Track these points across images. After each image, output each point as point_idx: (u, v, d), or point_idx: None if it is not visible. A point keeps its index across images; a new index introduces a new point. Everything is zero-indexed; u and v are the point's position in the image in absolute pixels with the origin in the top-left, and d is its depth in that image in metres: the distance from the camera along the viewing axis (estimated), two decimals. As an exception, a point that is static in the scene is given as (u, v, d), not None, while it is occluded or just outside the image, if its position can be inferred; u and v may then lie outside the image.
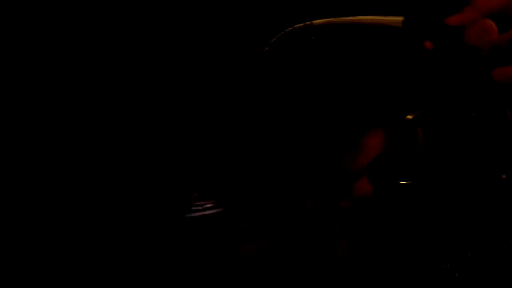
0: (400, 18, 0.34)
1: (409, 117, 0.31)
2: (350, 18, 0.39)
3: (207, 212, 0.36)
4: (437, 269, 0.33)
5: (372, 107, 0.40)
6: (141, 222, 0.29)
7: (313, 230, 0.33)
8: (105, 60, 0.39)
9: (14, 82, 0.35)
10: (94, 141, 0.36)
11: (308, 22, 0.41)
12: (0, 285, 0.24)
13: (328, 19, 0.40)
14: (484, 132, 0.28)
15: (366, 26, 0.38)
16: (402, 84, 0.37)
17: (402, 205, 0.33)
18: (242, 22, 0.43)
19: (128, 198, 0.31)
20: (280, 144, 0.43)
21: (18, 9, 0.34)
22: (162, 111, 0.39)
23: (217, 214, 0.36)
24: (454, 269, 0.32)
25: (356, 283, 0.30)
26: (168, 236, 0.31)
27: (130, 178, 0.33)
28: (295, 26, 0.42)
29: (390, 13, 0.36)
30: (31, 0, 0.35)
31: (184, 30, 0.42)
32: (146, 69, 0.40)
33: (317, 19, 0.41)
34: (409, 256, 0.32)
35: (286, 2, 0.43)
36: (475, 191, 0.30)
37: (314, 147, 0.42)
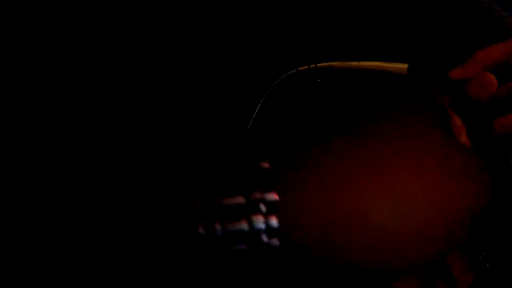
0: (405, 66, 0.35)
1: None
2: (355, 62, 0.39)
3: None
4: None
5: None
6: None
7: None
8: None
9: (13, 82, 0.35)
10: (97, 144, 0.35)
11: (313, 65, 0.42)
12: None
13: (332, 63, 0.41)
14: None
15: (370, 71, 0.38)
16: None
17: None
18: (245, 61, 0.44)
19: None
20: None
21: (19, 9, 0.34)
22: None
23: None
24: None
25: None
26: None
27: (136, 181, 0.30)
28: (299, 68, 0.43)
29: (395, 60, 0.36)
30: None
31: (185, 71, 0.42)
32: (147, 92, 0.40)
33: (320, 62, 0.41)
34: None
35: (290, 44, 0.44)
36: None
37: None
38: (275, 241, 0.19)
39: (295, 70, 0.42)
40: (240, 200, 0.19)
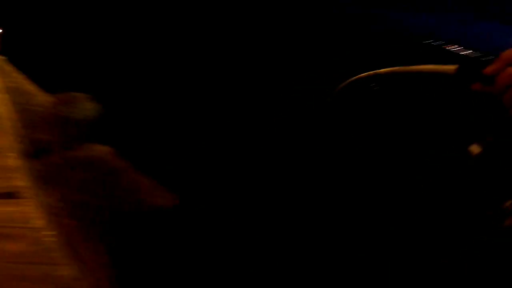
0: (453, 67, 0.43)
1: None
2: (414, 67, 0.46)
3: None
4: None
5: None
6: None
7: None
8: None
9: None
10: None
11: (372, 72, 0.45)
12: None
13: (392, 68, 0.46)
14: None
15: (425, 73, 0.45)
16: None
17: None
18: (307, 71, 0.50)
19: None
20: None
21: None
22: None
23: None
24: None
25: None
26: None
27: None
28: (360, 75, 0.46)
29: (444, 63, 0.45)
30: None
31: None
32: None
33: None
34: None
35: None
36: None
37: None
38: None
39: (355, 77, 0.46)
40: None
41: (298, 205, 2.56)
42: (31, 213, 1.51)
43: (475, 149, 0.37)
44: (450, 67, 0.43)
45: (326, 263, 2.03)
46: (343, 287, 1.95)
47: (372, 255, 2.08)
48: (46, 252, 1.17)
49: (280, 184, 2.82)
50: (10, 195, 1.73)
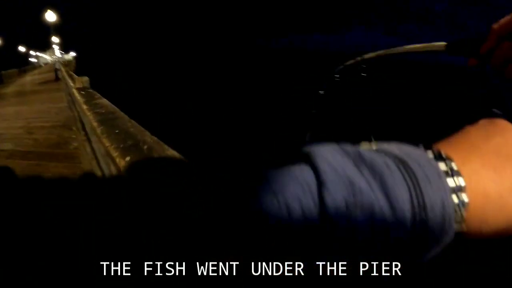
0: (442, 43, 0.41)
1: None
2: (398, 48, 0.43)
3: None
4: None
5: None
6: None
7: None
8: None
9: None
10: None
11: (359, 58, 0.43)
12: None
13: (377, 52, 0.44)
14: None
15: (412, 53, 0.42)
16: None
17: None
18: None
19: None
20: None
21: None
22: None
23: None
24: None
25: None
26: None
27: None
28: (346, 63, 0.44)
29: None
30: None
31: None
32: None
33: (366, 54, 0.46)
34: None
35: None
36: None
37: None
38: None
39: (342, 65, 0.42)
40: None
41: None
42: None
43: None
44: (440, 44, 0.41)
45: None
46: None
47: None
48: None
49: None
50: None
